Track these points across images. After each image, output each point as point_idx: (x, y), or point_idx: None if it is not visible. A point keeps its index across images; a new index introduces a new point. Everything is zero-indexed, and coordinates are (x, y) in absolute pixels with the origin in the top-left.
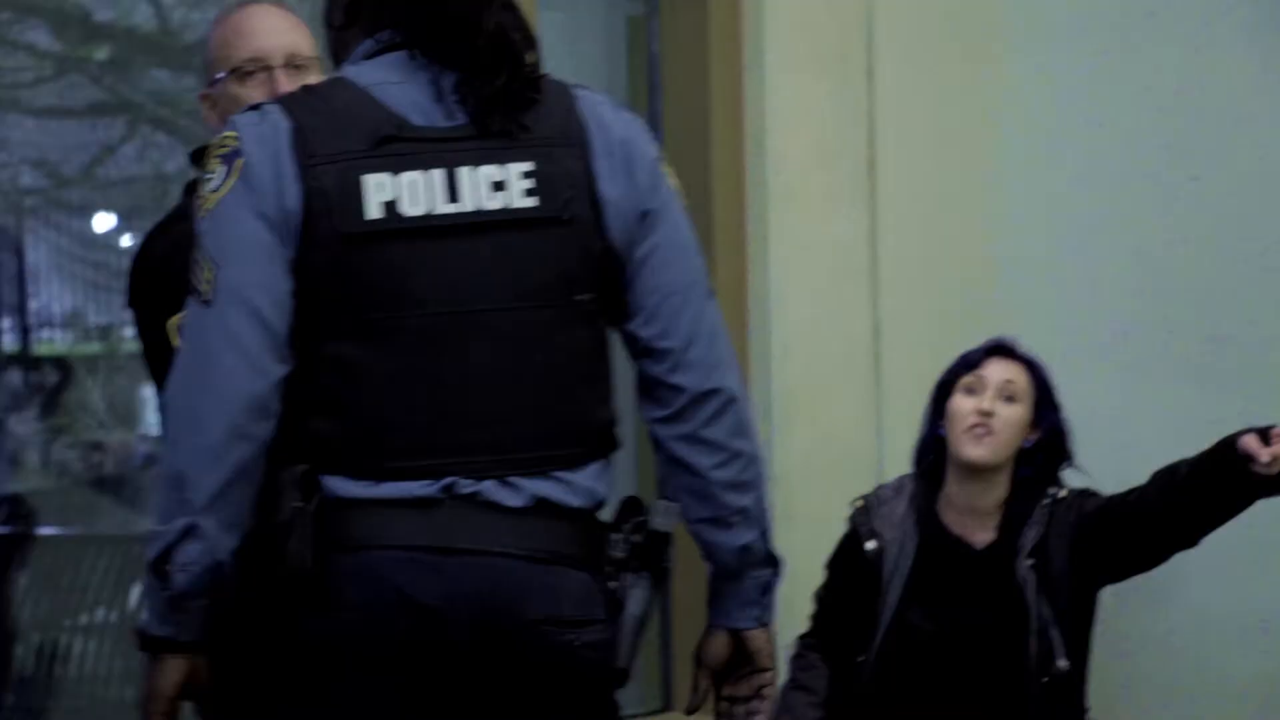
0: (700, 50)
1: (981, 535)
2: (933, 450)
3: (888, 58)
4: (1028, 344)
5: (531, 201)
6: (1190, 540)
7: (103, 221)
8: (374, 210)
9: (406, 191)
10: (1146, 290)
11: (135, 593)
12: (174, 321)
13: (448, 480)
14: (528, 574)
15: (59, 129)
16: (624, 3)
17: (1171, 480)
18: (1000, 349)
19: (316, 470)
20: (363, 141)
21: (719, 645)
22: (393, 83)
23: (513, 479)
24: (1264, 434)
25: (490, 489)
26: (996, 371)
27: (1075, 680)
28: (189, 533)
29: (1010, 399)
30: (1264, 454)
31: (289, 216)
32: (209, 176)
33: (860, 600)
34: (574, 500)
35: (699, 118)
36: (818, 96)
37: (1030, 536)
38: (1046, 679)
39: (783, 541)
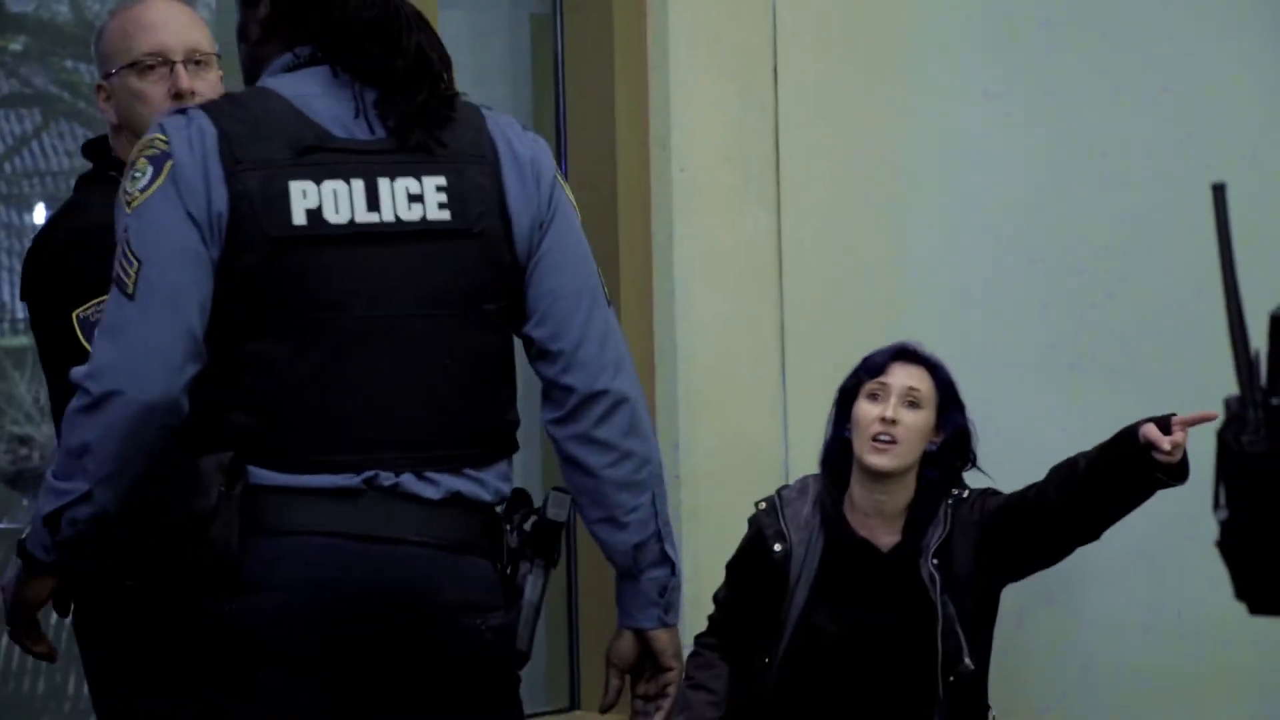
0: (605, 50)
1: (887, 537)
2: (838, 453)
3: (794, 58)
4: (933, 345)
5: (445, 214)
6: (1092, 533)
7: (27, 212)
8: (299, 216)
9: (329, 200)
10: (1052, 292)
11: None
12: (80, 312)
13: (369, 473)
14: (443, 561)
15: None
16: (528, 1)
17: (1071, 474)
18: (904, 353)
19: (241, 459)
20: (287, 150)
21: (625, 645)
22: (315, 95)
23: (429, 474)
24: (1163, 423)
25: (409, 481)
26: (900, 377)
27: (979, 679)
28: (84, 498)
29: (913, 405)
30: (1165, 442)
31: (216, 219)
32: (136, 175)
33: (765, 602)
34: (484, 495)
35: (604, 117)
36: (723, 97)
37: (934, 537)
38: (952, 678)
39: (690, 541)
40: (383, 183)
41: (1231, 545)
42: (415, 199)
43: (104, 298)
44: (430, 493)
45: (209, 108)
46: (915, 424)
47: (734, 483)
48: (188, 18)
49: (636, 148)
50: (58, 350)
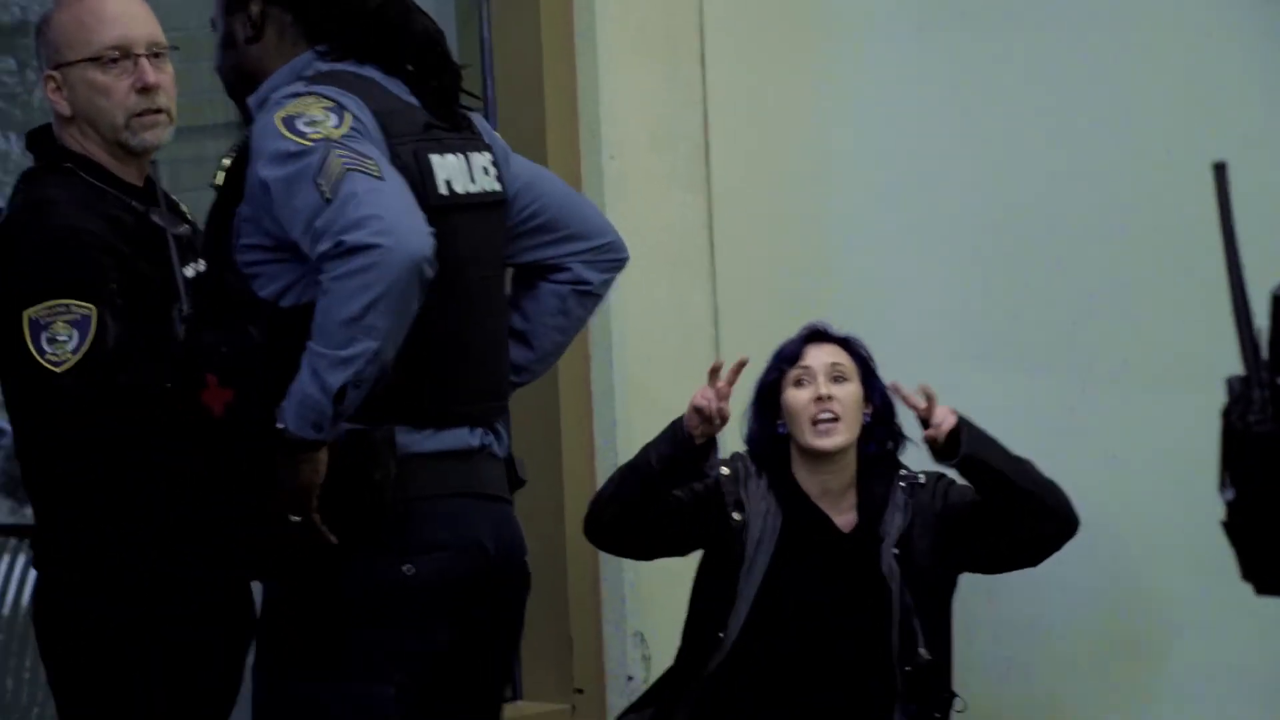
0: (532, 36)
1: (842, 517)
2: (770, 449)
3: (720, 42)
4: (868, 328)
5: (498, 186)
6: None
7: None
8: (442, 186)
9: (453, 171)
10: (985, 272)
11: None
12: (32, 313)
13: (480, 430)
14: (515, 515)
15: None
16: None
17: None
18: (816, 335)
19: (388, 421)
20: (415, 126)
21: None
22: (382, 80)
23: (498, 426)
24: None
25: (492, 442)
26: (820, 357)
27: (939, 668)
28: (374, 356)
29: (841, 379)
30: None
31: None
32: (317, 118)
33: (720, 569)
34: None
35: (532, 104)
36: (651, 82)
37: (895, 524)
38: (909, 668)
39: None
40: (472, 156)
41: (1238, 526)
42: (485, 171)
43: (58, 301)
44: (499, 450)
45: (337, 82)
46: (849, 396)
47: None
48: (145, 9)
49: (566, 134)
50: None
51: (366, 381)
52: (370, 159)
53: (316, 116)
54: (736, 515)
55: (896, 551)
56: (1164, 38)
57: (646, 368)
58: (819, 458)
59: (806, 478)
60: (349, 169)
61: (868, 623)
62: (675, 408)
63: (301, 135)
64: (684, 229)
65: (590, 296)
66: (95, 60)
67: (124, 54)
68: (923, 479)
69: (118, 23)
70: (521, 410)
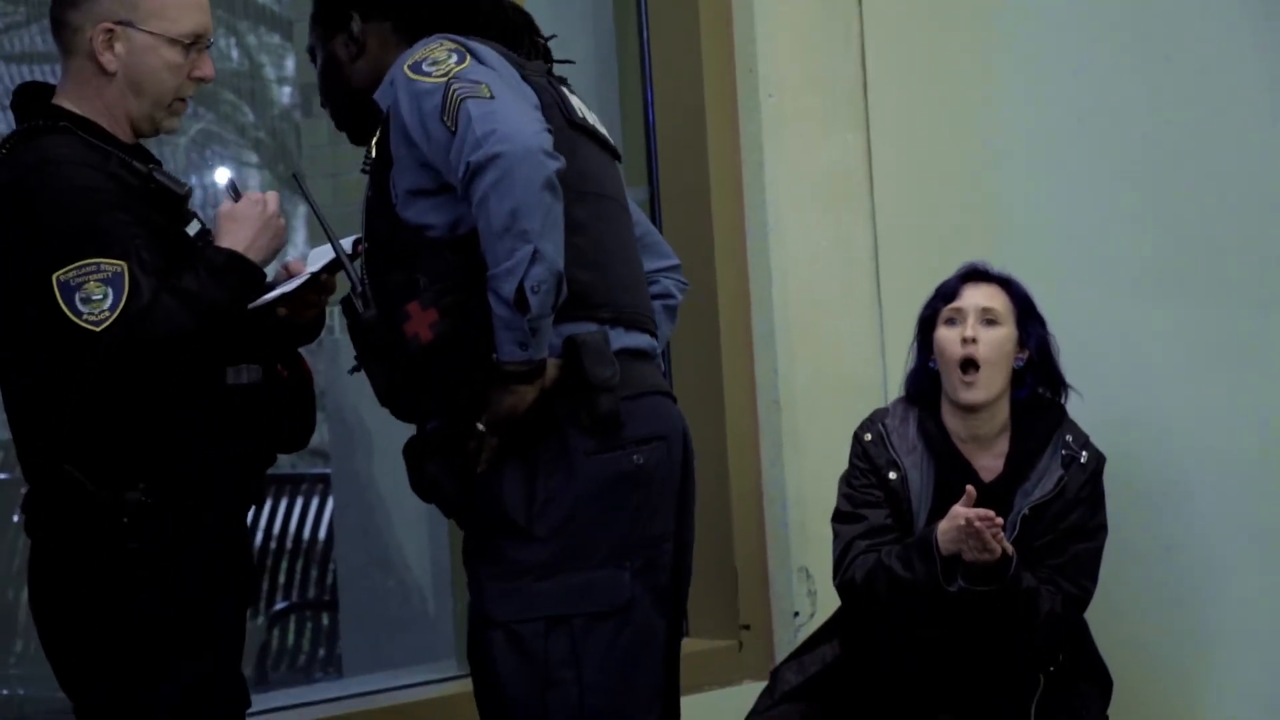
0: None
1: (990, 461)
2: (925, 382)
3: None
4: (1027, 262)
5: (605, 133)
6: None
7: None
8: (577, 111)
9: (581, 107)
10: (1145, 208)
11: None
12: (61, 275)
13: (649, 335)
14: None
15: None
16: None
17: None
18: (974, 274)
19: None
20: (540, 70)
21: None
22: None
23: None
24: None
25: (657, 348)
26: (973, 298)
27: (1067, 617)
28: (534, 258)
29: (991, 323)
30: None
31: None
32: (438, 59)
33: (896, 523)
34: None
35: (689, 45)
36: (808, 21)
37: (1037, 490)
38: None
39: (793, 467)
40: (571, 97)
41: None
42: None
43: (87, 261)
44: (656, 351)
45: (459, 39)
46: (995, 340)
47: (834, 408)
48: None
49: (723, 75)
50: (12, 303)
51: (545, 283)
52: (481, 83)
53: (438, 57)
54: (892, 474)
55: (1026, 513)
56: None
57: (807, 307)
58: (965, 407)
59: (955, 421)
60: (462, 98)
61: (993, 577)
62: (837, 348)
63: (426, 75)
64: (843, 167)
65: (674, 313)
66: (175, 41)
67: (203, 44)
68: (1084, 459)
69: (203, 10)
70: (682, 352)
